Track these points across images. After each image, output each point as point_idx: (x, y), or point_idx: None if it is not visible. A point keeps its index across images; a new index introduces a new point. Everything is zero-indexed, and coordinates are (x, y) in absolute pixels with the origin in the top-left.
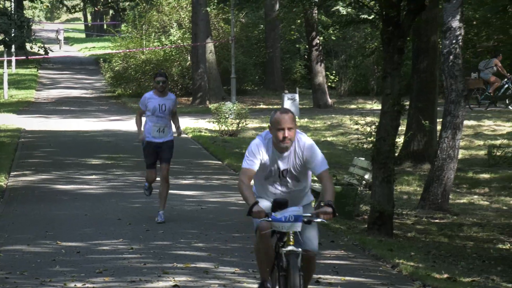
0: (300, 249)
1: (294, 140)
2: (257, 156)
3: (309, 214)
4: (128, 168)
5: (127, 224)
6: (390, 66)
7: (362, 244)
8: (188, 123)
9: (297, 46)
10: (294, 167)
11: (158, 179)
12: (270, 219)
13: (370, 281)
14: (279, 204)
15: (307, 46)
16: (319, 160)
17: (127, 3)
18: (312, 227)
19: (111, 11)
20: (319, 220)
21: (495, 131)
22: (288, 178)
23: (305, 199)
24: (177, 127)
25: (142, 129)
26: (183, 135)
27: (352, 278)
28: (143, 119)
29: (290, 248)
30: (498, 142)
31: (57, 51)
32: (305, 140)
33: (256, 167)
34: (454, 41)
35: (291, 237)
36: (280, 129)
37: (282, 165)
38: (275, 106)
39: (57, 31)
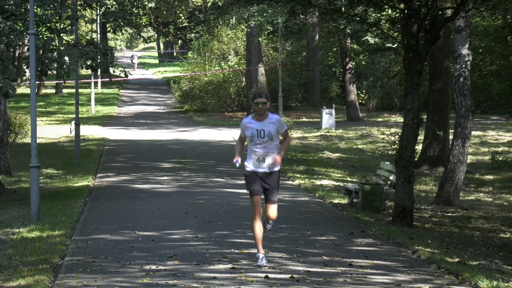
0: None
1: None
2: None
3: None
4: (194, 170)
5: (193, 217)
6: (411, 86)
7: (387, 234)
8: None
9: (333, 69)
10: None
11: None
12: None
13: (394, 264)
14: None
15: (341, 70)
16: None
17: (193, 35)
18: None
19: (180, 41)
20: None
21: (497, 140)
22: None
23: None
24: (279, 152)
25: (239, 155)
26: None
27: (379, 262)
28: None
29: None
30: (500, 149)
31: (134, 74)
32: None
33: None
34: (463, 66)
35: None
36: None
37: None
38: (315, 120)
39: (132, 57)
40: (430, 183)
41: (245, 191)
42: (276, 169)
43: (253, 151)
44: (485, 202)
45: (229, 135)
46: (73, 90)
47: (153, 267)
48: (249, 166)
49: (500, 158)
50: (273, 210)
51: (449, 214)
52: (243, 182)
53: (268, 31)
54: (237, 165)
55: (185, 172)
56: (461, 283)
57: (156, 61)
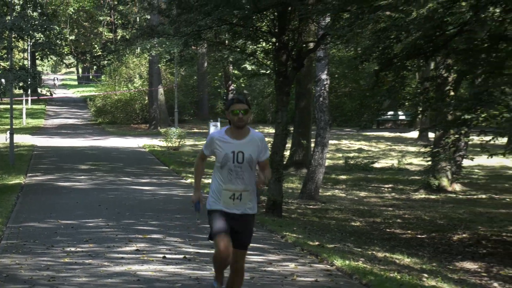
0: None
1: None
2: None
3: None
4: (106, 171)
5: (105, 209)
6: (281, 104)
7: (261, 222)
8: (146, 142)
9: (218, 90)
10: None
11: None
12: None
13: (267, 246)
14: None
15: (225, 90)
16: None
17: (106, 62)
18: None
19: (95, 67)
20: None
21: (349, 147)
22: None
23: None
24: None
25: (199, 190)
26: (142, 149)
27: (255, 245)
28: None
29: None
30: (351, 154)
31: (57, 93)
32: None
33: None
34: (322, 88)
35: None
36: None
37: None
38: (204, 130)
39: (54, 79)
40: (295, 181)
41: (148, 188)
42: (252, 212)
43: (224, 184)
44: (339, 197)
45: (135, 142)
46: (8, 106)
47: (73, 249)
48: (215, 205)
49: (351, 162)
50: (241, 257)
51: (311, 207)
52: (145, 180)
53: (166, 58)
54: (198, 208)
55: (99, 172)
56: (320, 262)
57: (76, 83)
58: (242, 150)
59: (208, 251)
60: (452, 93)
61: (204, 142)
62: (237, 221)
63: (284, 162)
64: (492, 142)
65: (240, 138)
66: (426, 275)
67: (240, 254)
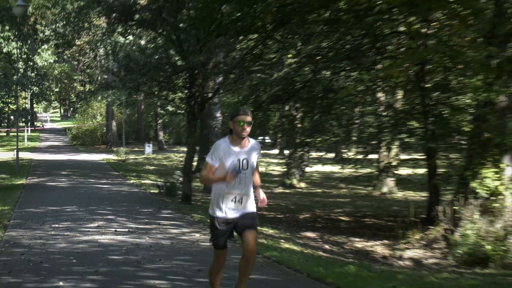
0: None
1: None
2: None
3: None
4: (78, 175)
5: (78, 200)
6: (190, 132)
7: (178, 208)
8: (104, 156)
9: (151, 123)
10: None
11: None
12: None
13: (182, 223)
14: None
15: (155, 123)
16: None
17: (79, 105)
18: None
19: (71, 108)
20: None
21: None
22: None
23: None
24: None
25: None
26: (101, 161)
27: (174, 222)
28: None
29: None
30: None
31: (47, 125)
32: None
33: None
34: (217, 122)
35: None
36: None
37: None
38: (141, 149)
39: (46, 117)
40: (197, 182)
41: (106, 186)
42: (252, 210)
43: (227, 188)
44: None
45: (97, 157)
46: (15, 134)
47: (56, 225)
48: (219, 211)
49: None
50: (253, 237)
51: (209, 198)
52: (104, 181)
53: (117, 103)
54: (237, 170)
55: (74, 176)
56: None
57: (59, 118)
58: (247, 157)
59: (143, 226)
60: (299, 125)
61: (143, 156)
62: (238, 219)
63: (193, 169)
64: (324, 156)
65: (244, 146)
66: (282, 240)
67: (250, 236)
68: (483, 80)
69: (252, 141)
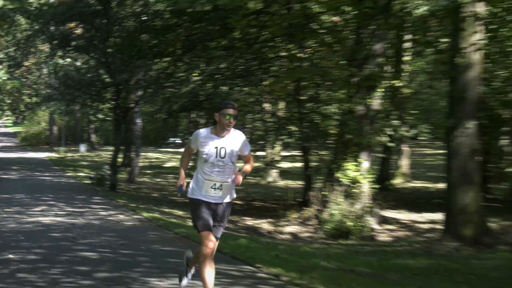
0: None
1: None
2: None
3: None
4: (26, 169)
5: (26, 189)
6: (116, 134)
7: (108, 195)
8: (47, 155)
9: (85, 128)
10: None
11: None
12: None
13: (109, 207)
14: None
15: (87, 128)
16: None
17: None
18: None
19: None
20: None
21: (152, 157)
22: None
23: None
24: (240, 170)
25: (183, 175)
26: (45, 159)
27: (103, 206)
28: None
29: None
30: (153, 160)
31: (1, 130)
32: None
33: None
34: (138, 127)
35: None
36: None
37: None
38: (77, 149)
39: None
40: (124, 174)
41: (48, 178)
42: (229, 200)
43: (206, 175)
44: (147, 181)
45: (42, 155)
46: None
47: (8, 209)
48: (197, 193)
49: (152, 164)
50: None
51: (131, 187)
52: (46, 174)
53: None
54: (180, 190)
55: (23, 170)
56: (136, 214)
57: (11, 124)
58: (224, 146)
59: (78, 209)
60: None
61: (79, 154)
62: (216, 208)
63: (118, 164)
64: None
65: (223, 136)
66: (189, 220)
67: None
68: (345, 94)
69: (235, 133)
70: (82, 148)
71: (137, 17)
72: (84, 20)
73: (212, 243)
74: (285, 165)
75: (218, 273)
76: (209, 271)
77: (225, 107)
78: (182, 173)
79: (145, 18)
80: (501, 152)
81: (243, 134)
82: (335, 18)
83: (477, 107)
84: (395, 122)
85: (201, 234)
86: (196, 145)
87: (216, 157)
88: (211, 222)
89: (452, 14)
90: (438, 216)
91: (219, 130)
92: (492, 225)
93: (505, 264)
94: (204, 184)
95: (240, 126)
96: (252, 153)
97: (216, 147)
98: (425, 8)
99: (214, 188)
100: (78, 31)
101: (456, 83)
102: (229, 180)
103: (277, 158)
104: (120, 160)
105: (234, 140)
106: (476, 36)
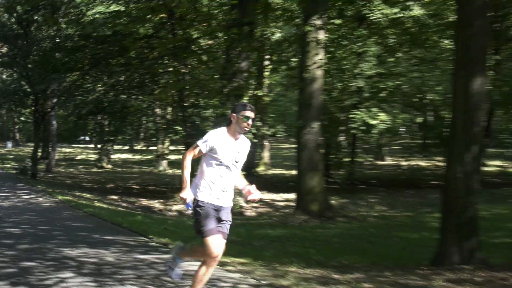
0: None
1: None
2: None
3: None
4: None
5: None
6: (36, 133)
7: (30, 183)
8: None
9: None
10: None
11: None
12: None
13: (31, 192)
14: None
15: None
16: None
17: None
18: None
19: None
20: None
21: (75, 152)
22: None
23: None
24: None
25: (188, 183)
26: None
27: (24, 191)
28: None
29: None
30: (73, 154)
31: None
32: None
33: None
34: (53, 128)
35: None
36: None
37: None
38: (3, 145)
39: None
40: (43, 164)
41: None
42: (232, 203)
43: (218, 178)
44: (67, 171)
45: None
46: None
47: None
48: (205, 197)
49: (68, 157)
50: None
51: (49, 175)
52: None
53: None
54: (189, 207)
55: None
56: (53, 197)
57: None
58: (239, 150)
59: (5, 194)
60: (107, 129)
61: (5, 150)
62: (222, 212)
63: (37, 158)
64: (123, 148)
65: (237, 139)
66: (96, 201)
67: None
68: (218, 101)
69: (243, 137)
70: (9, 144)
71: (52, 39)
72: (8, 41)
73: (222, 246)
74: (172, 157)
75: (117, 243)
76: (210, 272)
77: (243, 109)
78: (187, 182)
79: (58, 40)
80: (339, 146)
81: (248, 140)
82: (210, 42)
83: (320, 112)
84: (258, 123)
85: (212, 237)
86: (209, 148)
87: (232, 161)
88: (217, 224)
89: (300, 39)
90: (292, 196)
91: (234, 132)
92: (333, 202)
93: (343, 232)
94: (215, 187)
95: (136, 126)
96: (146, 147)
97: (233, 151)
98: (280, 34)
99: (224, 192)
100: (4, 50)
101: (304, 93)
102: (233, 184)
103: (166, 151)
104: (39, 154)
105: (244, 144)
106: (319, 56)
